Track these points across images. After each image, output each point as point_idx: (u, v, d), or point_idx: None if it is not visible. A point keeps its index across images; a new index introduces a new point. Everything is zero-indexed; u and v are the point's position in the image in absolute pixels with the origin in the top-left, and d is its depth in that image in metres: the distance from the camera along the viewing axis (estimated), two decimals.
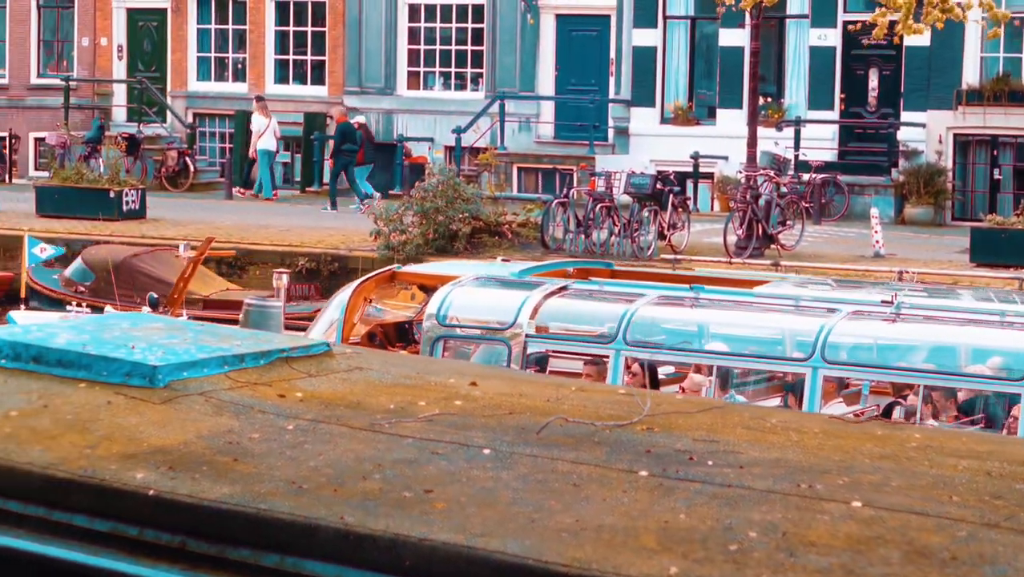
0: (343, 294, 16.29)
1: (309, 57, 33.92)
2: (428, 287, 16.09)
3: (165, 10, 34.77)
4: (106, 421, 5.34)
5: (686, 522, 4.66)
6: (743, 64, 28.75)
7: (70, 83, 34.64)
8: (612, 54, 31.85)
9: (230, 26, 34.46)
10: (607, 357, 14.23)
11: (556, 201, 24.54)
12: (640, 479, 5.08)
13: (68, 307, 20.31)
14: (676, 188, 25.20)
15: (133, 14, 35.36)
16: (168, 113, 34.58)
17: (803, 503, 4.79)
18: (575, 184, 27.51)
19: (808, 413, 11.90)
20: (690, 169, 29.25)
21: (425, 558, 4.42)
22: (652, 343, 14.46)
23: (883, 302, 14.06)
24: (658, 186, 24.56)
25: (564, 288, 15.34)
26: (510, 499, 4.86)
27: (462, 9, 32.87)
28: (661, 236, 24.23)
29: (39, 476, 4.93)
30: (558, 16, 32.36)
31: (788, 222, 24.82)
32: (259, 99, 32.70)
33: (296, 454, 5.16)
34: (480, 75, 33.00)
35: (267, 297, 15.54)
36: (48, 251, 24.46)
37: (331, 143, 31.39)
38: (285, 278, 18.73)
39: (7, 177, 34.91)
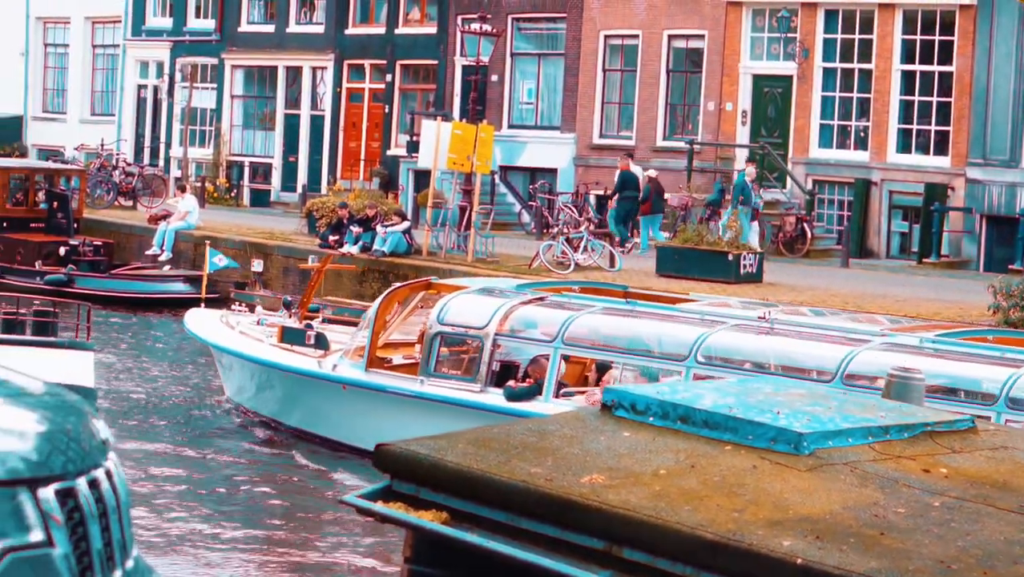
0: (379, 298, 20.58)
1: (932, 127, 33.44)
2: None
3: (791, 77, 35.04)
4: (752, 485, 5.37)
5: None
6: None
7: (694, 146, 35.40)
8: None
9: (854, 94, 34.39)
10: (549, 353, 18.24)
11: None
12: None
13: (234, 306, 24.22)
14: None
15: (759, 80, 35.81)
16: (788, 179, 34.82)
17: None
18: None
19: None
20: None
21: None
22: (583, 343, 18.43)
23: (759, 318, 17.76)
24: None
25: (541, 299, 19.30)
26: None
27: None
28: None
29: (688, 536, 5.00)
30: None
31: None
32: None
33: (943, 532, 5.05)
34: None
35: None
36: (224, 261, 28.48)
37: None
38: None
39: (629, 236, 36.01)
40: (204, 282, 27.30)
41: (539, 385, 18.37)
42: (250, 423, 21.99)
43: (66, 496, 4.79)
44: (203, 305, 24.94)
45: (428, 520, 5.60)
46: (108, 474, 5.08)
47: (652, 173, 34.01)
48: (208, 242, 30.17)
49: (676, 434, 5.90)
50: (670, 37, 37.04)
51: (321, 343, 20.79)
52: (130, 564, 5.12)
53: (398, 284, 21.74)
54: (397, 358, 20.28)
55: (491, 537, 5.42)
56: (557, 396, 18.24)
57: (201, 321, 23.31)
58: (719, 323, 17.75)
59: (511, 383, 18.63)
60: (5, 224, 35.59)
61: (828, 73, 34.78)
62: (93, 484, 4.94)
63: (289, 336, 21.23)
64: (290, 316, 22.69)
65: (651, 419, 6.02)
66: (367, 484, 18.19)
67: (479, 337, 18.68)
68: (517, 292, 19.63)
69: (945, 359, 16.26)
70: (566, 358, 18.83)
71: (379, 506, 5.79)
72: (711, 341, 17.29)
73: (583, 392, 18.54)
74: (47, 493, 4.72)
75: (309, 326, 21.44)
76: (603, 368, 18.59)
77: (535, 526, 5.39)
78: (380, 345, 20.26)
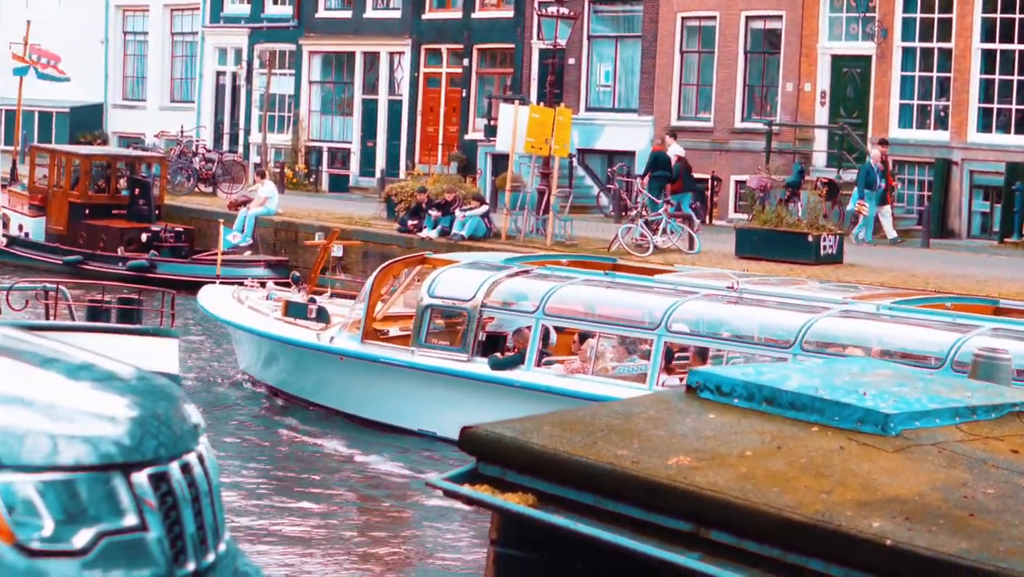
0: (375, 272, 21.50)
1: (1013, 106, 33.10)
2: None
3: (870, 57, 34.80)
4: (839, 466, 5.36)
5: None
6: None
7: (772, 128, 35.23)
8: None
9: (934, 74, 34.10)
10: (531, 325, 19.11)
11: None
12: None
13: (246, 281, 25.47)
14: None
15: (838, 60, 35.59)
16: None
17: None
18: None
19: None
20: None
21: None
22: (563, 314, 19.30)
23: (728, 288, 18.68)
24: None
25: (526, 271, 20.23)
26: None
27: None
28: None
29: (775, 518, 4.99)
30: None
31: None
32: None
33: None
34: None
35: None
36: (238, 237, 30.46)
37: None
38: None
39: (708, 218, 35.86)
40: (219, 260, 28.11)
41: (522, 355, 19.21)
42: (261, 395, 22.80)
43: (159, 480, 4.84)
44: (218, 282, 25.93)
45: (514, 502, 5.62)
46: (200, 458, 5.13)
47: (681, 152, 34.46)
48: (221, 221, 30.73)
49: (762, 416, 5.89)
50: (748, 18, 36.87)
51: (322, 316, 21.65)
52: (222, 547, 5.17)
53: (393, 259, 22.97)
54: (394, 330, 21.17)
55: (577, 519, 5.44)
56: (539, 365, 19.15)
57: (213, 297, 24.23)
58: (690, 293, 18.77)
59: (497, 353, 19.49)
60: (88, 211, 35.95)
61: (907, 52, 34.50)
62: (185, 468, 4.99)
63: (292, 310, 22.13)
64: (299, 291, 23.65)
65: (736, 401, 6.01)
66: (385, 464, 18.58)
67: (466, 309, 19.68)
68: (504, 265, 20.62)
69: (898, 324, 17.36)
70: (560, 329, 20.05)
71: (465, 488, 5.82)
72: (681, 310, 18.31)
73: (562, 361, 19.49)
74: (140, 478, 4.77)
75: (312, 300, 22.32)
76: (584, 338, 19.55)
77: (622, 508, 5.40)
78: (380, 318, 21.24)
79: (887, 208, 32.31)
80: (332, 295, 24.22)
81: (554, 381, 18.67)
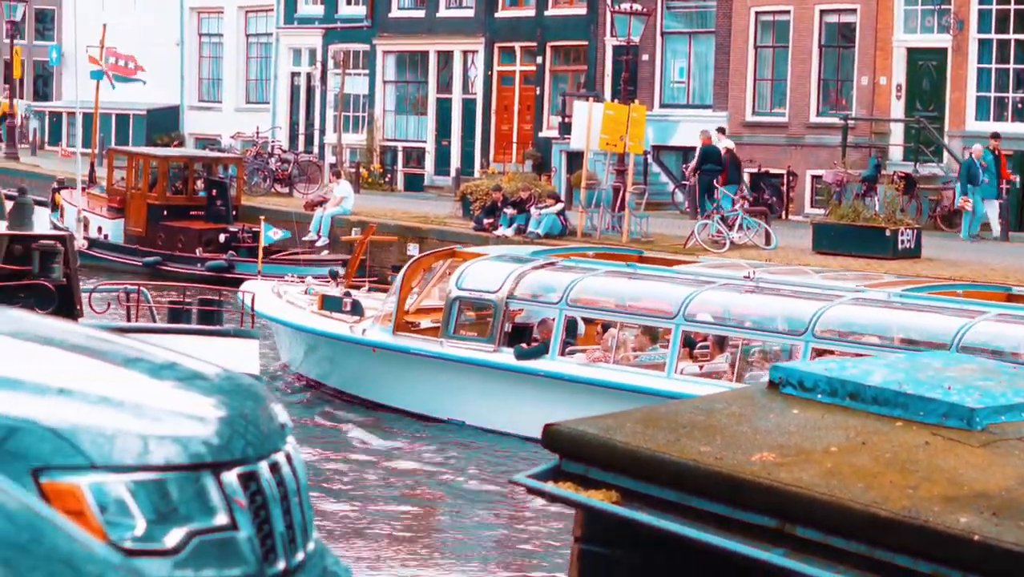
0: (406, 266, 22.21)
1: None
2: None
3: (945, 49, 34.57)
4: (925, 462, 5.34)
5: None
6: None
7: (848, 121, 35.05)
8: None
9: (1011, 65, 33.85)
10: (555, 316, 19.66)
11: None
12: None
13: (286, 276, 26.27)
14: None
15: (913, 53, 35.38)
16: (945, 153, 34.37)
17: None
18: None
19: None
20: None
21: None
22: (585, 305, 19.88)
23: (745, 277, 19.19)
24: None
25: (552, 263, 20.78)
26: None
27: None
28: None
29: (861, 513, 4.99)
30: None
31: None
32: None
33: None
34: None
35: None
36: (278, 234, 30.76)
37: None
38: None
39: (784, 213, 35.75)
40: (260, 255, 28.46)
41: (546, 345, 19.75)
42: (301, 387, 23.32)
43: (248, 480, 4.88)
44: (259, 277, 26.32)
45: (598, 500, 5.64)
46: (288, 458, 5.17)
47: (731, 145, 34.89)
48: (262, 218, 30.97)
49: (845, 411, 5.87)
50: (822, 12, 36.72)
51: (356, 310, 22.20)
52: (311, 546, 5.21)
53: (423, 253, 23.80)
54: (426, 322, 21.72)
55: (661, 516, 5.45)
56: (563, 355, 19.72)
57: (254, 292, 24.65)
58: (708, 283, 19.27)
59: (523, 343, 20.00)
60: (166, 212, 36.25)
61: (984, 44, 34.25)
62: (273, 467, 5.03)
63: (328, 304, 22.70)
64: (336, 285, 24.29)
65: (819, 396, 5.99)
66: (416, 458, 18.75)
67: (493, 301, 20.22)
68: (530, 258, 21.26)
69: (908, 311, 17.94)
70: (588, 320, 20.58)
71: (549, 486, 5.84)
72: (699, 299, 18.80)
73: (585, 351, 20.05)
74: (230, 477, 4.82)
75: (347, 294, 22.84)
76: (607, 328, 20.12)
77: (706, 505, 5.40)
78: (413, 310, 21.87)
79: (996, 203, 32.00)
80: (369, 288, 24.86)
81: (576, 370, 19.25)
